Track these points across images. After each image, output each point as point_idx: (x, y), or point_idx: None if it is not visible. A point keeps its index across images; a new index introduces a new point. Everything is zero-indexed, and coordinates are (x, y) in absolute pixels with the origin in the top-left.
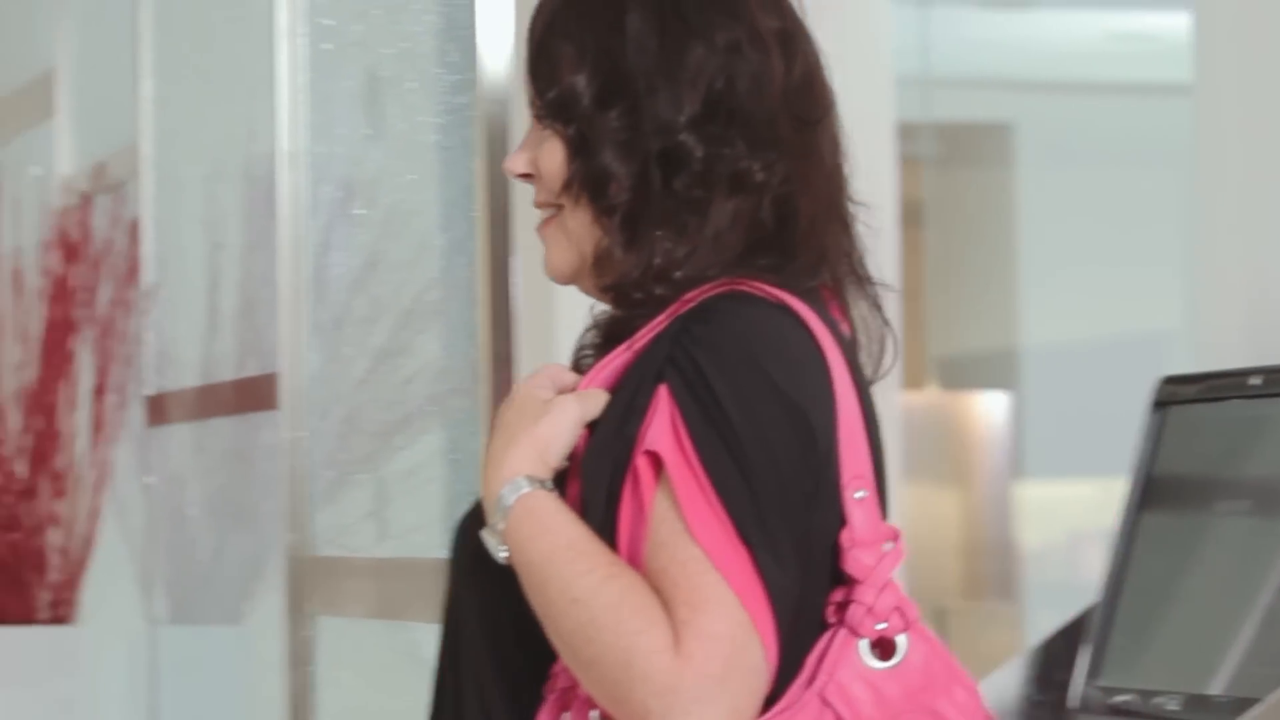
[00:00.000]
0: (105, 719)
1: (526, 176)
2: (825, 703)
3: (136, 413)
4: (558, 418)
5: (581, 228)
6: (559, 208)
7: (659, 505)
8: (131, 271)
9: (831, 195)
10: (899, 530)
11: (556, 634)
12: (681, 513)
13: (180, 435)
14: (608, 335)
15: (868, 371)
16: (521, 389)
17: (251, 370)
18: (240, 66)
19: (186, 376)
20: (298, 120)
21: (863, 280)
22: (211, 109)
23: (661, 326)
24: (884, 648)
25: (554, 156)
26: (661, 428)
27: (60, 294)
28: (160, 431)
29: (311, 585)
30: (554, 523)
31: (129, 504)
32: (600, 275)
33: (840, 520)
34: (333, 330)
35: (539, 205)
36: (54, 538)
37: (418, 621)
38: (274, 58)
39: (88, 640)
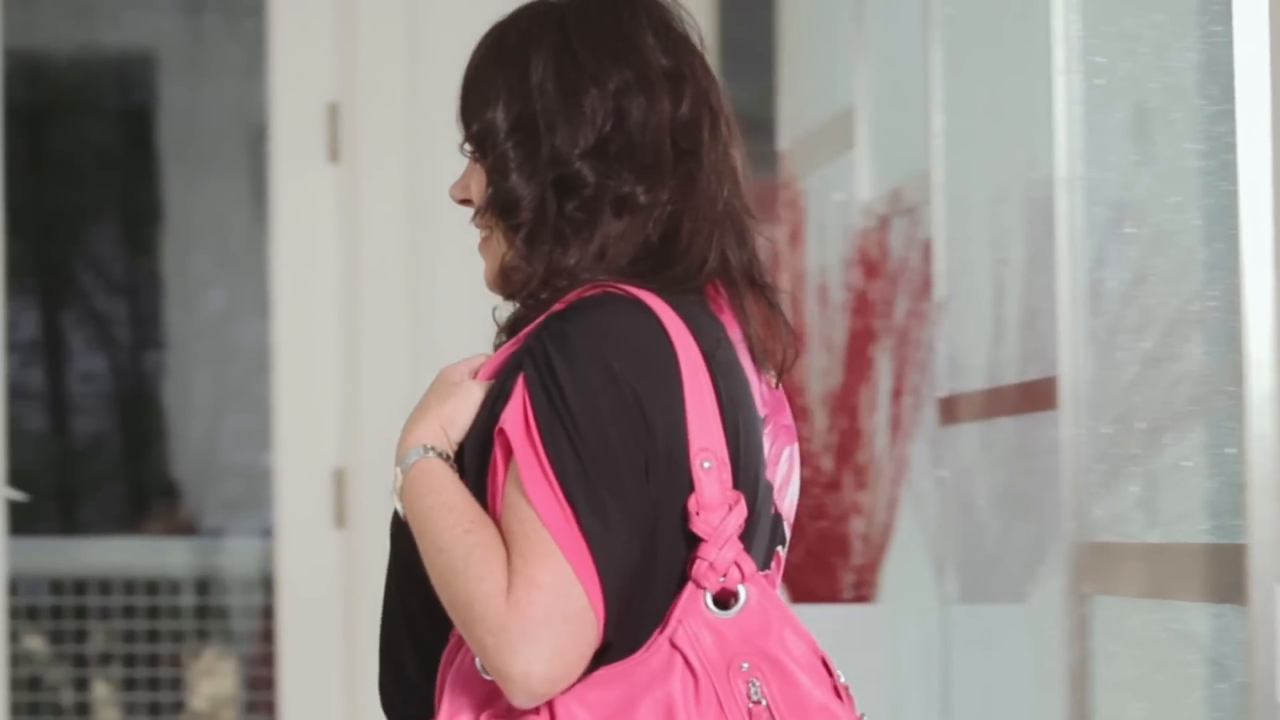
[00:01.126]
0: (904, 687)
1: (465, 202)
2: (674, 647)
3: (930, 413)
4: (461, 398)
5: (499, 244)
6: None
7: (510, 474)
8: (925, 286)
9: (717, 214)
10: (741, 495)
11: (431, 578)
12: (521, 480)
13: (969, 433)
14: (509, 331)
15: (772, 361)
16: (441, 372)
17: (1033, 374)
18: (1020, 101)
19: (974, 380)
20: (1073, 149)
21: (758, 285)
22: (995, 139)
23: (538, 322)
24: (725, 598)
25: (479, 184)
26: (514, 409)
27: (861, 306)
28: (951, 430)
29: (1088, 568)
30: (438, 484)
31: (923, 495)
32: (506, 284)
33: (690, 487)
34: (1106, 338)
35: (476, 225)
36: (856, 525)
37: (1185, 600)
38: (1051, 93)
39: (886, 617)
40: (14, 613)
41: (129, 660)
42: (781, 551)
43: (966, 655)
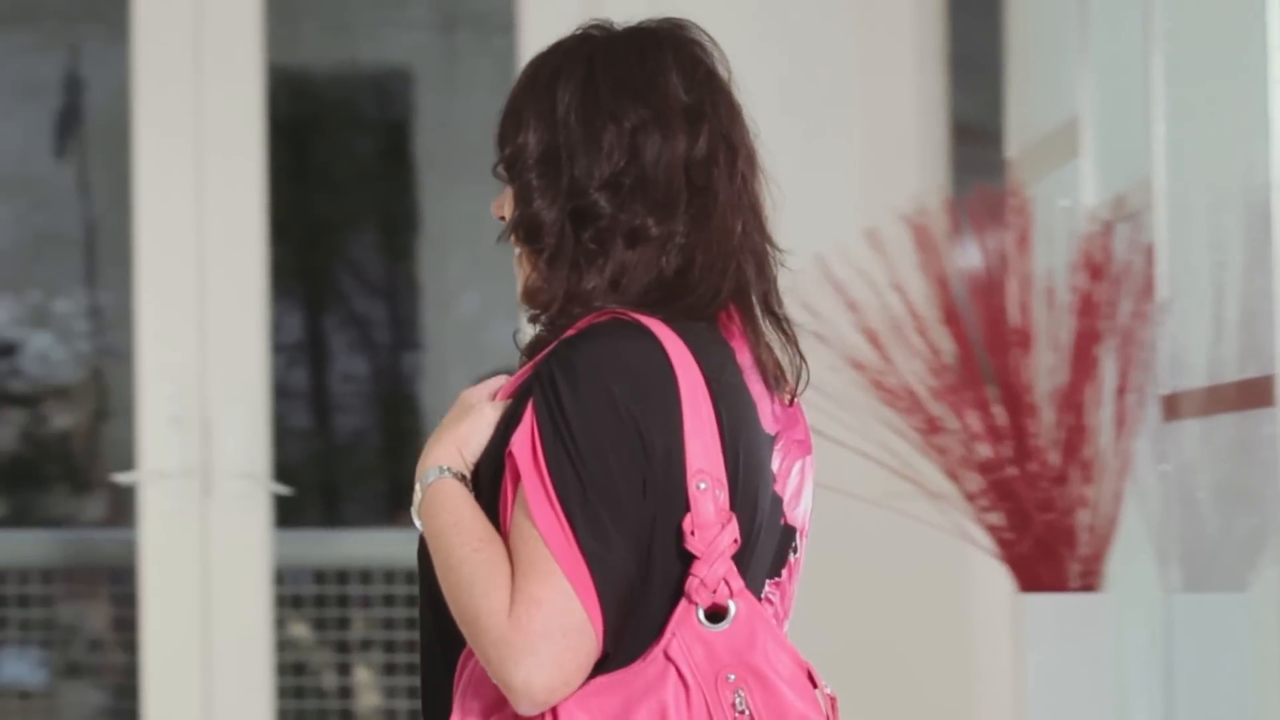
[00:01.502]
0: (1128, 674)
1: (503, 218)
2: (668, 658)
3: (1153, 410)
4: (476, 421)
5: (525, 264)
6: None
7: (518, 495)
8: (1147, 288)
9: (731, 245)
10: (734, 515)
11: (444, 592)
12: (526, 501)
13: (1191, 429)
14: (529, 353)
15: (781, 384)
16: (461, 395)
17: (1252, 372)
18: (1239, 109)
19: (1195, 378)
20: None
21: (772, 311)
22: (1214, 147)
23: (551, 347)
24: (716, 612)
25: (509, 205)
26: (523, 433)
27: (1086, 308)
28: (1173, 426)
29: None
30: (452, 503)
31: (1147, 489)
32: (531, 302)
33: (686, 507)
34: None
35: (507, 243)
36: (1082, 517)
37: None
38: (1268, 101)
39: (1112, 606)
40: (280, 601)
41: (388, 646)
42: (794, 558)
43: (1188, 641)
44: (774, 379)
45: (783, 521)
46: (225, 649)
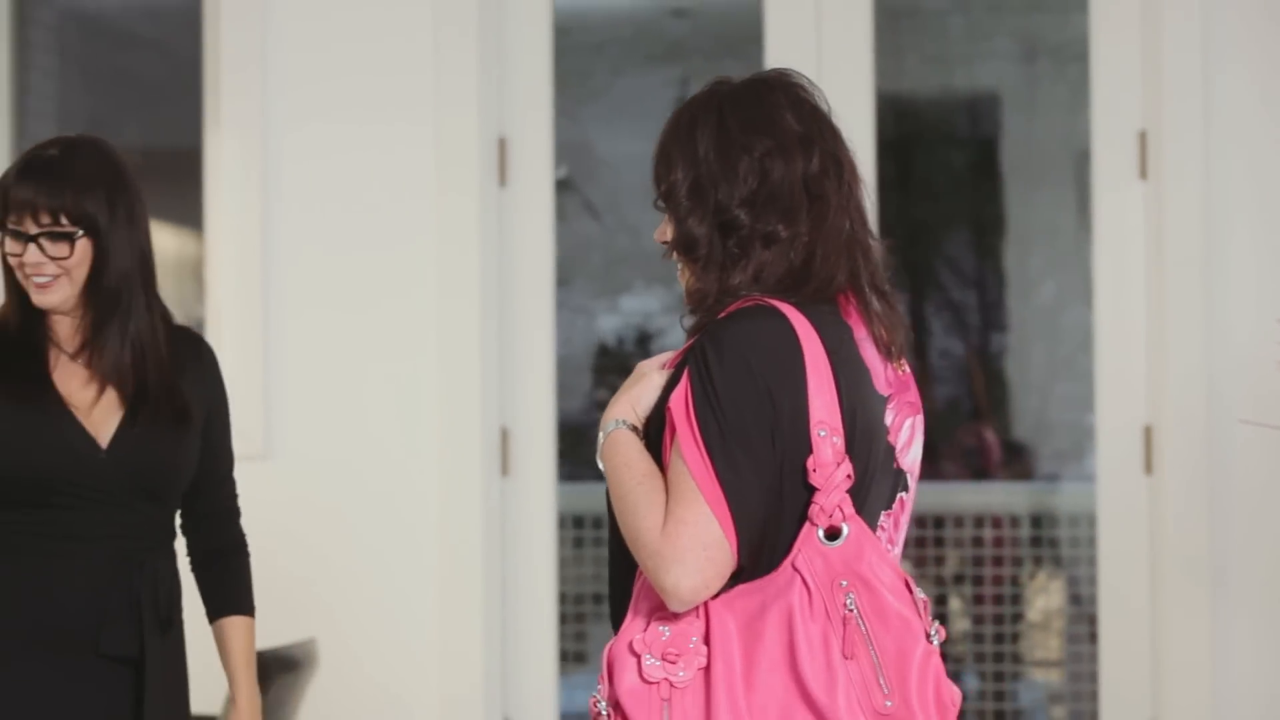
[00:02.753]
0: None
1: (665, 243)
2: (795, 569)
3: None
4: (646, 385)
5: (686, 273)
6: None
7: (674, 441)
8: None
9: (843, 240)
10: (848, 456)
11: (616, 517)
12: (679, 445)
13: None
14: (690, 334)
15: (895, 351)
16: (637, 366)
17: None
18: None
19: None
20: None
21: (880, 292)
22: None
23: (704, 328)
24: (832, 532)
25: (670, 230)
26: (679, 393)
27: None
28: None
29: None
30: (624, 448)
31: None
32: (692, 302)
33: (809, 450)
34: None
35: (670, 260)
36: None
37: None
38: None
39: None
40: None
41: (977, 580)
42: (904, 495)
43: None
44: (887, 350)
45: (895, 466)
46: None
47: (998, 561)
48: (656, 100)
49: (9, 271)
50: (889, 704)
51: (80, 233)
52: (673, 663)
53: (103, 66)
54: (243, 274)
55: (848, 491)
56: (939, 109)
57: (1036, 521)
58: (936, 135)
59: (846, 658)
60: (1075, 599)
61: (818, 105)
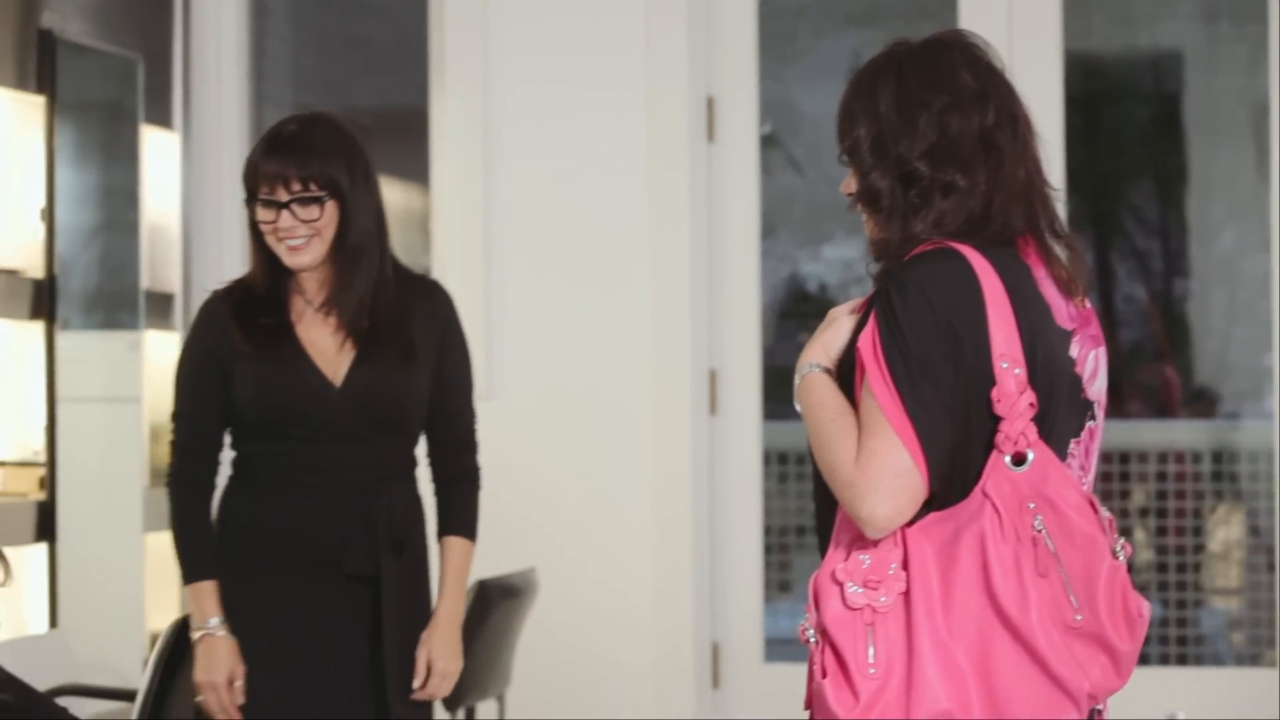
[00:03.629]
0: None
1: (850, 195)
2: (985, 495)
3: None
4: (837, 329)
5: (871, 223)
6: None
7: (864, 379)
8: None
9: (1019, 188)
10: (1029, 386)
11: (813, 452)
12: (869, 381)
13: None
14: (877, 280)
15: (1076, 288)
16: (830, 312)
17: None
18: None
19: None
20: None
21: (1058, 235)
22: None
23: (889, 272)
24: (1018, 458)
25: (854, 183)
26: (867, 333)
27: None
28: None
29: None
30: (818, 388)
31: None
32: (877, 250)
33: (993, 382)
34: None
35: (855, 211)
36: None
37: None
38: None
39: None
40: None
41: (1160, 513)
42: (1092, 424)
43: None
44: (1068, 288)
45: (1082, 396)
46: None
47: (1180, 495)
48: (856, 61)
49: (257, 238)
50: (1079, 618)
51: (327, 196)
52: (874, 589)
53: (335, 32)
54: (465, 226)
55: (1032, 420)
56: (1124, 66)
57: (1217, 457)
58: (1122, 91)
59: (1040, 576)
60: (1254, 530)
61: (992, 63)
